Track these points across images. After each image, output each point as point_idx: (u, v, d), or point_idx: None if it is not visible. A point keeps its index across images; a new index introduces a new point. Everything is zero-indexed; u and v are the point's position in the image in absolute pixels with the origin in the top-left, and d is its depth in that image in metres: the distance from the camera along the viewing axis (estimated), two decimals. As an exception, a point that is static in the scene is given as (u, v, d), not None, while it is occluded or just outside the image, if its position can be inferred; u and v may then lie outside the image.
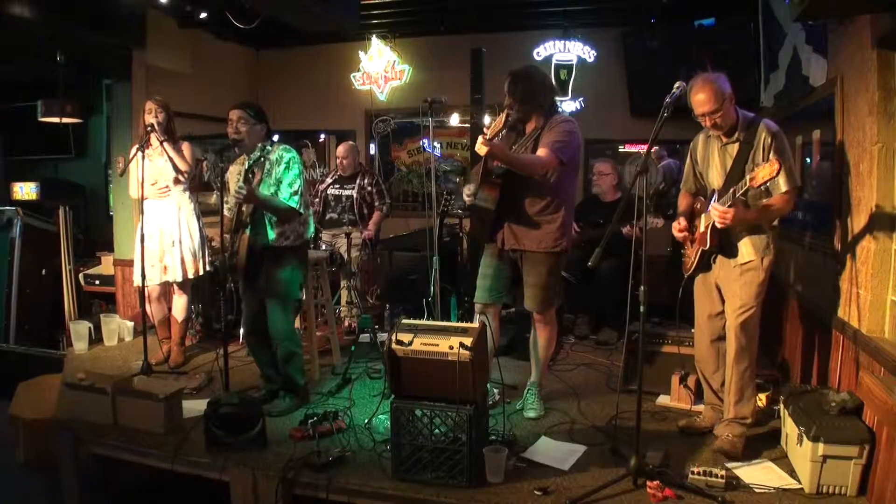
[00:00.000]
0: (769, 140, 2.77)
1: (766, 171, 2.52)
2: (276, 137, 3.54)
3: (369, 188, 5.35)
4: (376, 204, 5.37)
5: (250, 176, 3.33)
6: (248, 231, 3.44)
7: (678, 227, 3.07)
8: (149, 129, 4.09)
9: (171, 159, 4.14)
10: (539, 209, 3.24)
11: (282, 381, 3.61)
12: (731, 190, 2.75)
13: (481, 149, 2.95)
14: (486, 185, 3.17)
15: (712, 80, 2.79)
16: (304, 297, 3.99)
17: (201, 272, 4.38)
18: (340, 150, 5.43)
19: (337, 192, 5.35)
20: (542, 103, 3.25)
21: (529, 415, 3.37)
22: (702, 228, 2.98)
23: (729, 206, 2.73)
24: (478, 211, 3.23)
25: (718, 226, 2.77)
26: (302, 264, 3.63)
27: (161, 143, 4.13)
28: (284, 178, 3.40)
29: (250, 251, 3.44)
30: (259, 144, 3.44)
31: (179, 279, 4.28)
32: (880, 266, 2.74)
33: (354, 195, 5.30)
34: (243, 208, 3.45)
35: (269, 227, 3.41)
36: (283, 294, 3.47)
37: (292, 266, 3.51)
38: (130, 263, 4.84)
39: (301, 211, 3.44)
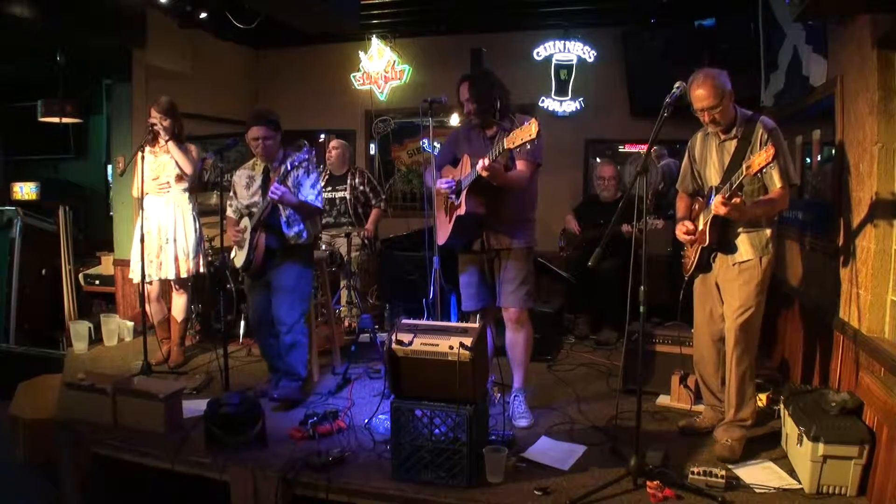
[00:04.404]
0: (765, 137, 2.78)
1: (761, 158, 2.53)
2: None
3: (362, 187, 5.31)
4: (373, 202, 5.35)
5: (276, 178, 3.49)
6: (265, 229, 3.59)
7: (685, 230, 3.05)
8: (153, 126, 4.13)
9: (176, 160, 4.18)
10: (519, 207, 3.29)
11: (283, 370, 3.70)
12: (730, 181, 2.75)
13: (484, 172, 2.95)
14: (475, 192, 3.15)
15: (713, 75, 2.80)
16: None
17: (193, 272, 4.38)
18: (334, 142, 5.41)
19: (329, 195, 5.25)
20: (502, 106, 3.28)
21: (521, 424, 3.30)
22: (700, 226, 2.98)
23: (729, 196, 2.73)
24: (466, 219, 3.20)
25: (721, 213, 2.75)
26: (311, 260, 3.83)
27: (166, 141, 4.17)
28: (304, 181, 3.62)
29: (266, 248, 3.59)
30: (280, 152, 3.65)
31: (172, 276, 4.29)
32: (880, 266, 2.74)
33: (347, 196, 5.26)
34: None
35: (284, 226, 3.58)
36: (293, 287, 3.63)
37: (304, 262, 3.71)
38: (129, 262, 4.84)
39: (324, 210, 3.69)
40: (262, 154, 3.61)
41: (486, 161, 2.94)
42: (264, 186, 3.60)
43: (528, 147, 2.84)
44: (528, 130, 2.76)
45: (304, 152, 3.60)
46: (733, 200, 2.70)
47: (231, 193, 3.82)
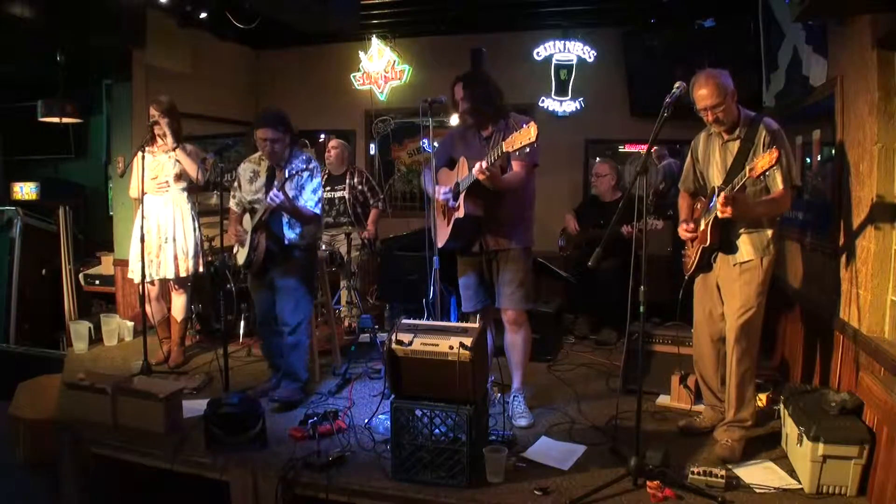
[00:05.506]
0: (769, 138, 2.78)
1: (765, 161, 2.53)
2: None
3: (360, 187, 5.31)
4: (371, 202, 5.35)
5: (276, 182, 3.52)
6: (266, 230, 3.58)
7: (685, 228, 3.06)
8: (153, 125, 4.15)
9: (185, 168, 4.22)
10: (517, 207, 3.29)
11: (284, 370, 3.70)
12: (732, 183, 2.76)
13: (482, 177, 2.96)
14: (473, 195, 3.15)
15: (715, 75, 2.80)
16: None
17: (191, 271, 4.38)
18: (333, 142, 5.41)
19: (328, 195, 5.23)
20: (497, 107, 3.27)
21: (521, 423, 3.31)
22: (702, 226, 2.98)
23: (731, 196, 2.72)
24: (464, 221, 3.19)
25: (720, 215, 2.75)
26: (314, 261, 3.85)
27: (174, 149, 4.19)
28: (308, 185, 3.62)
29: (267, 249, 3.59)
30: (287, 152, 3.64)
31: (171, 276, 4.30)
32: (880, 266, 2.73)
33: (346, 196, 5.26)
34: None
35: (286, 228, 3.59)
36: (296, 287, 3.63)
37: (307, 263, 3.73)
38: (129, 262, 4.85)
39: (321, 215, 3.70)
40: (269, 155, 3.59)
41: (484, 164, 2.94)
42: (268, 185, 3.60)
43: (527, 150, 2.82)
44: (528, 134, 2.73)
45: (303, 161, 3.62)
46: (737, 198, 2.70)
47: (235, 185, 3.84)
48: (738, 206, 2.72)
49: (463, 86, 3.26)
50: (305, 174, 3.61)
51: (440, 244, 3.36)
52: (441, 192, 3.28)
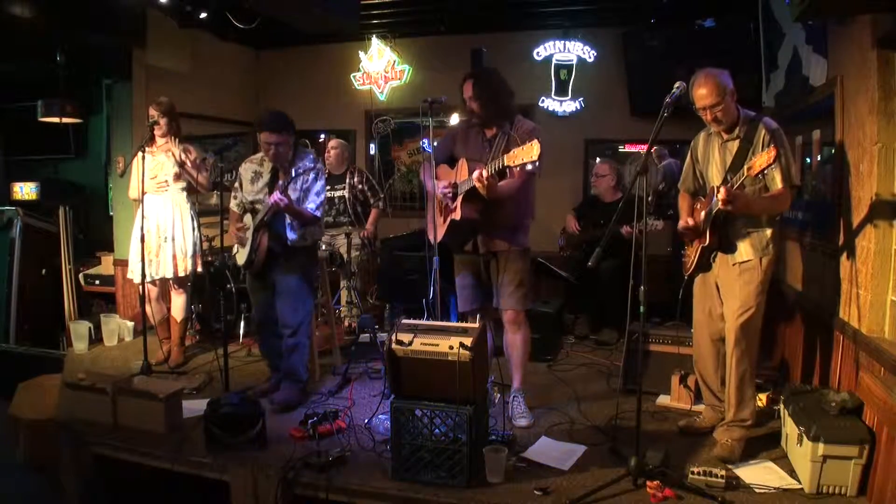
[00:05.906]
0: (768, 138, 2.78)
1: (763, 159, 2.54)
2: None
3: (360, 186, 5.31)
4: (371, 202, 5.35)
5: (280, 182, 3.52)
6: (268, 231, 3.58)
7: (684, 221, 3.06)
8: (153, 125, 4.16)
9: (191, 177, 4.24)
10: (514, 213, 3.28)
11: (285, 372, 3.69)
12: (731, 180, 2.76)
13: (479, 186, 2.95)
14: (470, 199, 3.15)
15: (714, 74, 2.81)
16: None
17: (189, 271, 4.38)
18: (333, 142, 5.41)
19: (328, 194, 5.19)
20: (504, 107, 3.25)
21: (521, 423, 3.31)
22: (702, 226, 2.98)
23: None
24: (460, 223, 3.20)
25: (721, 206, 2.75)
26: (314, 262, 3.86)
27: (182, 165, 4.21)
28: (312, 188, 3.61)
29: (269, 250, 3.59)
30: (290, 153, 3.62)
31: (170, 275, 4.30)
32: (880, 266, 2.73)
33: (346, 195, 5.26)
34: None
35: (288, 229, 3.58)
36: (297, 289, 3.63)
37: (307, 264, 3.73)
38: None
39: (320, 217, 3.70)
40: (273, 157, 3.58)
41: (485, 173, 2.94)
42: (271, 185, 3.60)
43: (528, 167, 2.82)
44: (530, 152, 2.73)
45: (309, 161, 3.61)
46: (735, 193, 2.71)
47: (236, 185, 3.83)
48: (738, 201, 2.72)
49: (473, 84, 3.24)
50: (311, 175, 3.59)
51: (437, 238, 3.36)
52: (440, 187, 3.28)
